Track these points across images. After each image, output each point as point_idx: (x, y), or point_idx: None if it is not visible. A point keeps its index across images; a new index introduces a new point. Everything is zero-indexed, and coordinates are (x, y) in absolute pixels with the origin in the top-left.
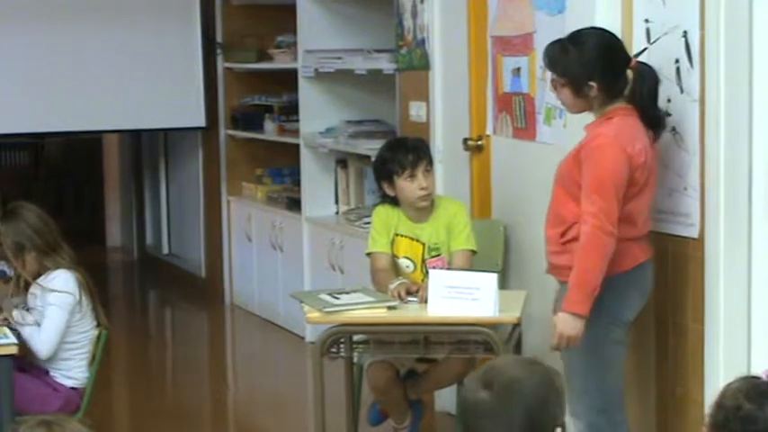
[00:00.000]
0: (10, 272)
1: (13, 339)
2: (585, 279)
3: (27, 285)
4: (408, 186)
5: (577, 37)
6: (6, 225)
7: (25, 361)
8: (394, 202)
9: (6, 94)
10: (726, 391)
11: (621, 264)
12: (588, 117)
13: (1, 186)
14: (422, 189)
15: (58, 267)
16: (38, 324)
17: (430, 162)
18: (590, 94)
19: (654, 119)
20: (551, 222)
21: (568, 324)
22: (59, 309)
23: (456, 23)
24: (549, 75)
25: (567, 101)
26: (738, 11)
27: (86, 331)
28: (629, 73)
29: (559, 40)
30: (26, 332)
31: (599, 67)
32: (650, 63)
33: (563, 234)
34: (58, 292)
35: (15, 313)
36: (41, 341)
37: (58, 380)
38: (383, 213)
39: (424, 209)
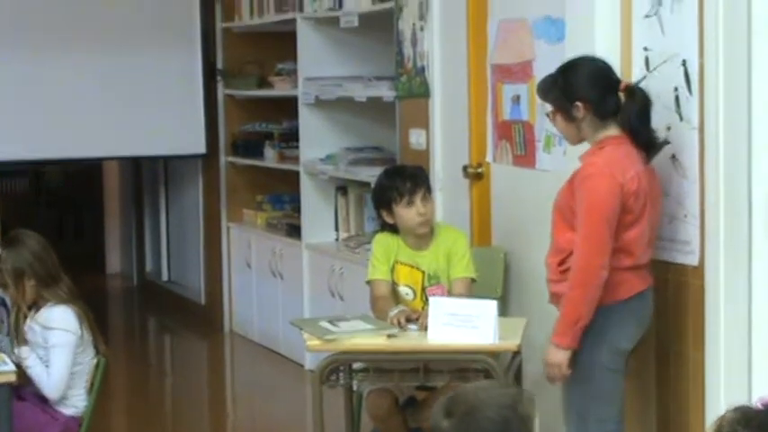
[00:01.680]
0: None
1: (12, 367)
2: (571, 311)
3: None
4: (407, 213)
5: (566, 65)
6: (7, 251)
7: (24, 389)
8: (393, 229)
9: (6, 120)
10: (721, 421)
11: (618, 293)
12: (586, 146)
13: (1, 213)
14: (420, 215)
15: (56, 301)
16: (40, 358)
17: (428, 189)
18: (578, 115)
19: (646, 141)
20: (551, 251)
21: (552, 355)
22: (64, 350)
23: (456, 51)
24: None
25: (562, 129)
26: (737, 39)
27: (86, 362)
28: (621, 96)
29: (551, 74)
30: (33, 372)
31: (583, 87)
32: (649, 91)
33: (561, 263)
34: (61, 330)
35: (17, 350)
36: (52, 387)
37: (56, 408)
38: (383, 241)
39: (424, 236)
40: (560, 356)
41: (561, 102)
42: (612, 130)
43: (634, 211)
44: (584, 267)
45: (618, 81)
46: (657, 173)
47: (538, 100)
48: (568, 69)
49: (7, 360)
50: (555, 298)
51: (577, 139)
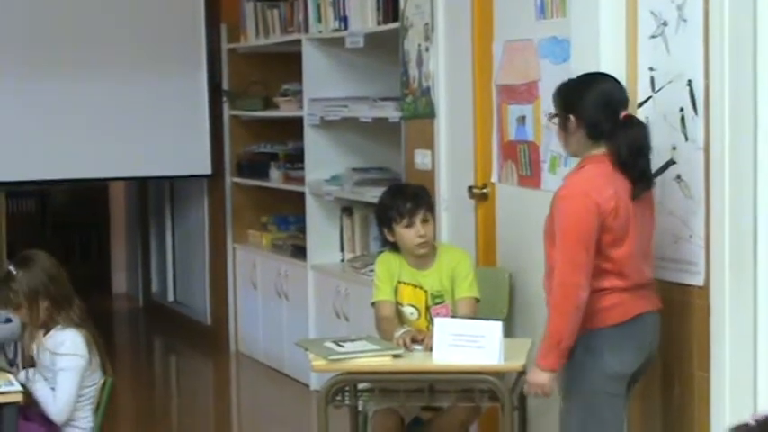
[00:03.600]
0: (15, 319)
1: (18, 387)
2: (551, 332)
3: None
4: (406, 234)
5: (584, 76)
6: (23, 270)
7: (30, 409)
8: (396, 248)
9: (13, 142)
10: None
11: (613, 316)
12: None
13: (8, 234)
14: (420, 237)
15: (67, 325)
16: (47, 381)
17: (429, 210)
18: (570, 128)
19: (633, 175)
20: (547, 273)
21: (535, 375)
22: (72, 374)
23: (461, 72)
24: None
25: (558, 137)
26: (743, 59)
27: (94, 384)
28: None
29: (572, 78)
30: (40, 395)
31: (583, 104)
32: (655, 111)
33: None
34: (69, 355)
35: (22, 373)
36: (58, 411)
37: (64, 429)
38: (386, 261)
39: (426, 256)
40: (543, 378)
41: (560, 109)
42: (600, 150)
43: (615, 229)
44: (562, 288)
45: (621, 109)
46: (662, 192)
47: (543, 121)
48: (579, 81)
49: (13, 380)
50: None
51: (568, 150)
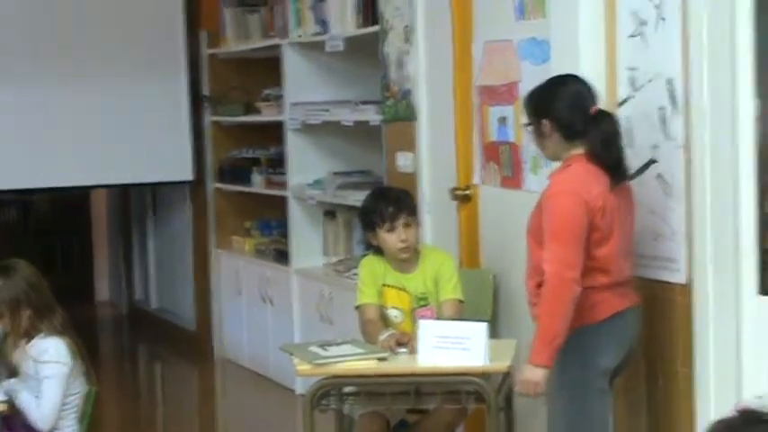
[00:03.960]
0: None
1: (2, 397)
2: (544, 329)
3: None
4: (389, 238)
5: (548, 80)
6: (3, 280)
7: (13, 418)
8: (380, 252)
9: None
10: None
11: (596, 313)
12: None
13: None
14: (401, 242)
15: (50, 332)
16: (31, 390)
17: (411, 214)
18: (545, 132)
19: (610, 166)
20: (529, 274)
21: (529, 373)
22: (56, 381)
23: (441, 74)
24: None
25: (535, 143)
26: (721, 57)
27: (77, 392)
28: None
29: (537, 86)
30: (24, 404)
31: (553, 106)
32: (635, 110)
33: (539, 285)
34: (53, 363)
35: (5, 383)
36: (42, 418)
37: None
38: (370, 265)
39: (409, 259)
40: (537, 375)
41: (532, 115)
42: (580, 149)
43: (602, 228)
44: (555, 285)
45: (591, 104)
46: (642, 190)
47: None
48: (546, 87)
49: None
50: (536, 319)
51: (547, 154)
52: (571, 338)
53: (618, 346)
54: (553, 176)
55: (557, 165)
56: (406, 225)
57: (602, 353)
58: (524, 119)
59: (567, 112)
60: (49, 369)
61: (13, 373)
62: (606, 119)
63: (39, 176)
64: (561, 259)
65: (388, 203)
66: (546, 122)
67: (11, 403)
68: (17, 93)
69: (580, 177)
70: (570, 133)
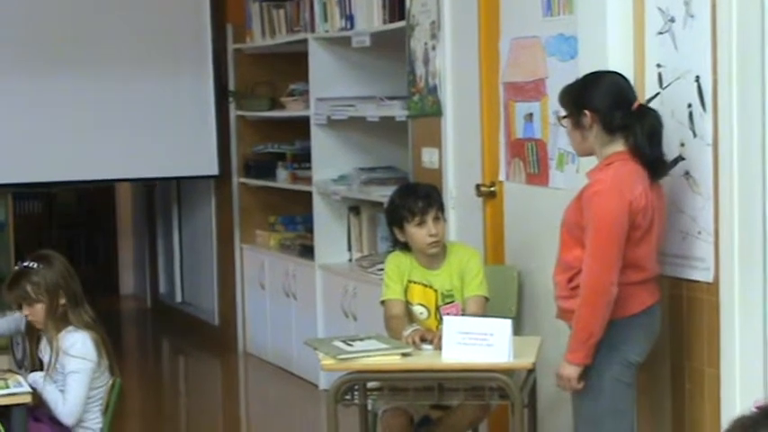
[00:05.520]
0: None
1: (27, 388)
2: (582, 328)
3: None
4: (418, 233)
5: (587, 75)
6: (44, 266)
7: (39, 410)
8: (406, 248)
9: (20, 143)
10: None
11: (629, 307)
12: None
13: (15, 236)
14: (431, 236)
15: (78, 325)
16: (56, 383)
17: (440, 209)
18: (585, 124)
19: (652, 161)
20: (559, 268)
21: (564, 369)
22: (82, 377)
23: (468, 70)
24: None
25: (569, 135)
26: (751, 55)
27: (102, 385)
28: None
29: (575, 80)
30: (49, 397)
31: (595, 97)
32: (663, 107)
33: (570, 279)
34: (79, 358)
35: (31, 375)
36: (68, 413)
37: (73, 430)
38: (396, 261)
39: (436, 255)
40: (570, 371)
41: (572, 106)
42: (620, 146)
43: (642, 227)
44: (594, 285)
45: (633, 99)
46: (670, 189)
47: (551, 118)
48: (588, 79)
49: (22, 381)
50: (565, 314)
51: (582, 149)
52: (605, 332)
53: (647, 341)
54: (594, 174)
55: (586, 163)
56: (436, 219)
57: (631, 347)
58: (561, 112)
59: (610, 104)
60: (76, 364)
61: (37, 366)
62: (650, 113)
63: (64, 170)
64: (602, 261)
65: (417, 198)
66: (587, 113)
67: (36, 395)
68: (43, 87)
69: (623, 177)
70: (612, 125)
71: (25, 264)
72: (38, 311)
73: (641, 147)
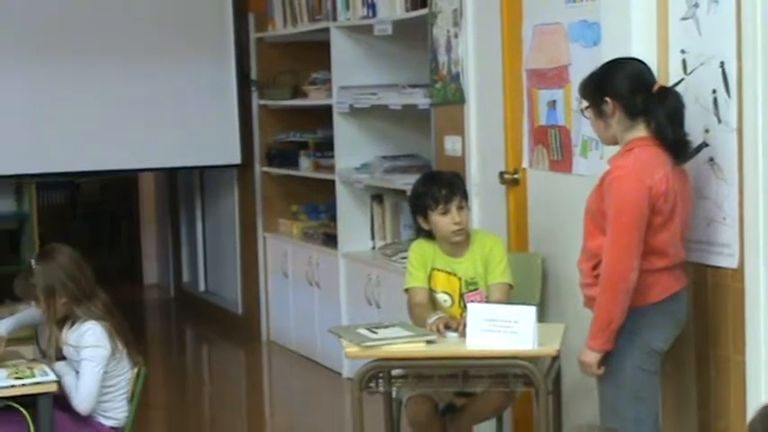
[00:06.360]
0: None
1: (53, 377)
2: (602, 314)
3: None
4: (442, 221)
5: (605, 63)
6: (41, 266)
7: (65, 399)
8: (430, 236)
9: (43, 134)
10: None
11: (653, 294)
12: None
13: (39, 225)
14: (455, 224)
15: (89, 317)
16: (76, 373)
17: (464, 197)
18: (607, 111)
19: (674, 142)
20: (584, 256)
21: (585, 355)
22: (94, 364)
23: (491, 57)
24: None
25: (592, 124)
26: None
27: (124, 373)
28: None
29: (593, 71)
30: (66, 386)
31: (615, 83)
32: (687, 93)
33: (594, 267)
34: (91, 347)
35: (58, 364)
36: (81, 400)
37: (98, 420)
38: (420, 248)
39: (460, 243)
40: (591, 357)
41: (593, 96)
42: (642, 131)
43: (663, 212)
44: (613, 271)
45: (653, 82)
46: (695, 175)
47: (574, 105)
48: (606, 67)
49: (48, 371)
50: (590, 301)
51: (607, 137)
52: (628, 319)
53: (673, 328)
54: (615, 160)
55: (610, 149)
56: (460, 207)
57: (656, 334)
58: (583, 103)
59: (630, 88)
60: (88, 352)
61: (61, 356)
62: (671, 95)
63: (87, 160)
64: (622, 247)
65: (441, 186)
66: (609, 100)
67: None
68: (66, 77)
69: (644, 161)
70: (634, 110)
71: (32, 260)
72: (42, 309)
73: (663, 129)
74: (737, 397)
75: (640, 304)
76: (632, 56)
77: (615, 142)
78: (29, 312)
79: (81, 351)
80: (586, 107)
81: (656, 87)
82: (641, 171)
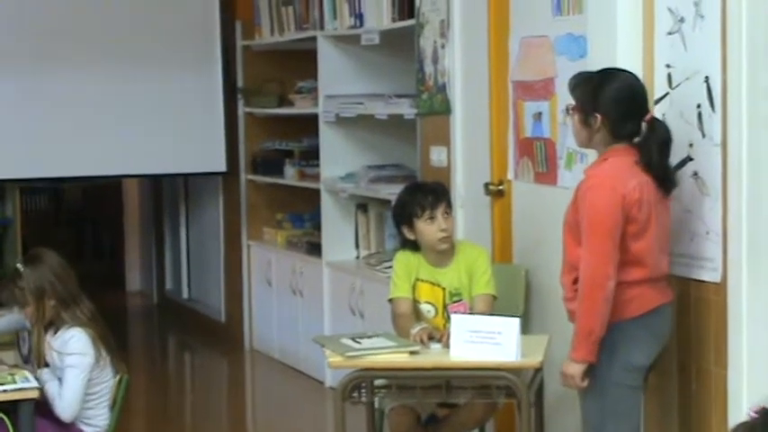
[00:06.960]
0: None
1: (35, 383)
2: (582, 324)
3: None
4: (428, 228)
5: (606, 71)
6: (30, 269)
7: (47, 406)
8: (414, 247)
9: (27, 138)
10: None
11: (631, 309)
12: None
13: (21, 231)
14: (441, 231)
15: (74, 323)
16: (59, 380)
17: (449, 204)
18: (594, 125)
19: (662, 176)
20: (564, 269)
21: (567, 367)
22: (78, 372)
23: (477, 68)
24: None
25: (575, 128)
26: (760, 55)
27: (107, 381)
28: (644, 126)
29: (590, 71)
30: (48, 393)
31: (609, 102)
32: (672, 108)
33: (575, 281)
34: (76, 354)
35: (40, 371)
36: (64, 408)
37: (79, 427)
38: (404, 259)
39: (444, 253)
40: (574, 369)
41: (583, 104)
42: (620, 145)
43: (639, 220)
44: (590, 279)
45: (646, 110)
46: (678, 189)
47: (559, 117)
48: (605, 78)
49: (30, 377)
50: (573, 315)
51: (583, 143)
52: (607, 334)
53: (654, 343)
54: (589, 170)
55: (592, 159)
56: (445, 214)
57: (637, 349)
58: (571, 101)
59: (622, 112)
60: (72, 360)
61: (42, 361)
62: (660, 126)
63: (71, 165)
64: (597, 255)
65: (426, 194)
66: (598, 116)
67: (43, 390)
68: (51, 83)
69: (616, 171)
70: (620, 134)
71: (18, 264)
72: (29, 313)
73: (655, 162)
74: (719, 410)
75: (619, 319)
76: (633, 73)
77: (588, 146)
78: (10, 318)
79: (65, 358)
80: (574, 109)
81: (647, 117)
82: (614, 179)
